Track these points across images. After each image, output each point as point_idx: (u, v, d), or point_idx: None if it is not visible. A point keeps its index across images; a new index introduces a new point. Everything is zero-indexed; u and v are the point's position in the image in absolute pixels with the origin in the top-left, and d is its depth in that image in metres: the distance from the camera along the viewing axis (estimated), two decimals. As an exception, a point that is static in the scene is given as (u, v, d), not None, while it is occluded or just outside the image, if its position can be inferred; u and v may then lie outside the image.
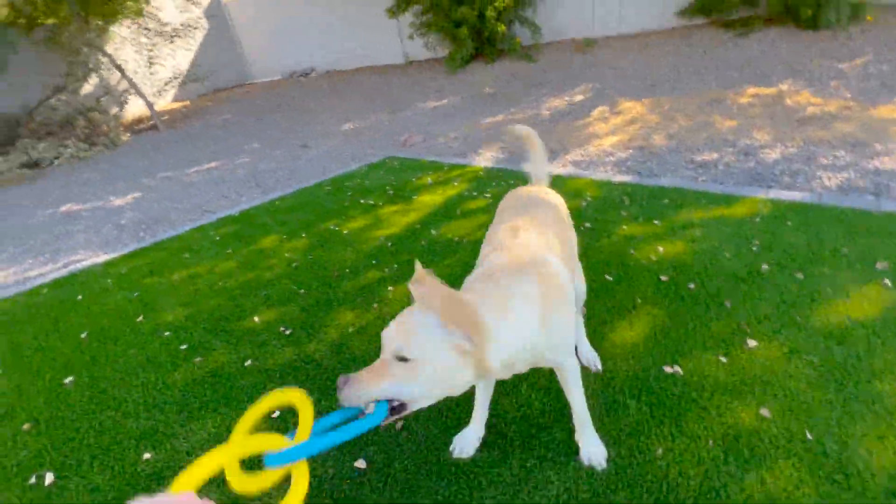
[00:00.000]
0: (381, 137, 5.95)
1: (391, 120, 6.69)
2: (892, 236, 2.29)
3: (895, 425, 1.42)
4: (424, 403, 1.05)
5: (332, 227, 3.52)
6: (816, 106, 4.24)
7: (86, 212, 5.09)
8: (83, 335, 2.62)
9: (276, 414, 1.84)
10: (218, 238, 3.71)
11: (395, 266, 2.80)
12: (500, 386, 1.76)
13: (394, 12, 8.66)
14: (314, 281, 2.79)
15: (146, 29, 9.52)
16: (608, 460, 1.45)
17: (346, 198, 4.09)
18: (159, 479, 1.65)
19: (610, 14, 7.78)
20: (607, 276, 2.34)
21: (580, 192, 3.36)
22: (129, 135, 8.81)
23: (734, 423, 1.51)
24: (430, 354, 1.00)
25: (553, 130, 4.95)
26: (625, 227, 2.80)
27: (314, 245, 3.28)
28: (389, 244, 3.09)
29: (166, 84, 10.57)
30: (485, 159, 4.52)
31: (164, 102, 11.46)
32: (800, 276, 2.12)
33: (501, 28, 7.81)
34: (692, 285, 2.18)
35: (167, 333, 2.50)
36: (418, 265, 1.11)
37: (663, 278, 2.27)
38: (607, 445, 1.49)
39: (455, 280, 1.86)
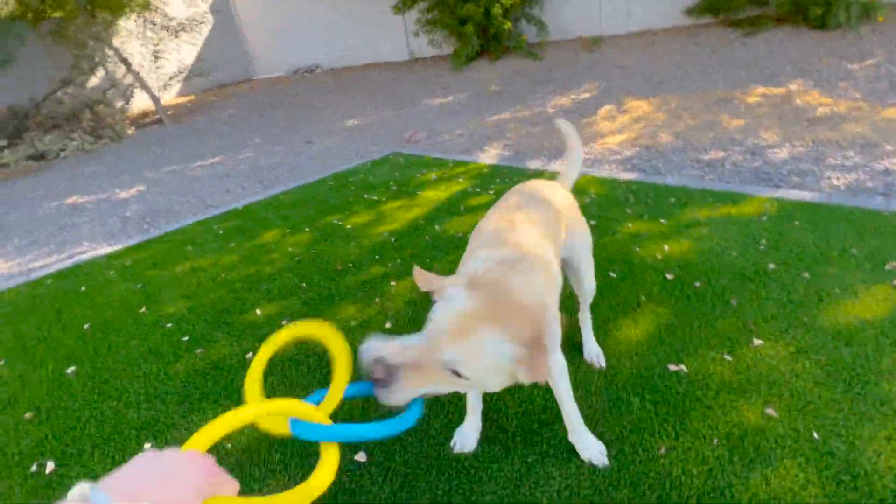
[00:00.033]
0: (385, 134, 5.94)
1: (396, 116, 6.67)
2: (901, 237, 2.26)
3: (904, 427, 1.40)
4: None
5: (335, 222, 3.51)
6: (826, 106, 4.19)
7: (91, 204, 5.10)
8: (86, 326, 2.62)
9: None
10: (221, 232, 3.71)
11: (399, 261, 2.79)
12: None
13: (399, 9, 8.64)
14: (316, 275, 2.78)
15: (152, 23, 9.53)
16: (610, 457, 1.44)
17: (349, 193, 4.08)
18: (159, 470, 1.65)
19: (617, 12, 7.73)
20: (612, 274, 2.32)
21: (585, 189, 3.34)
22: (134, 128, 8.84)
23: (739, 422, 1.49)
24: (488, 376, 0.92)
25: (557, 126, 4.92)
26: (630, 224, 2.78)
27: (317, 239, 3.28)
28: (393, 239, 3.08)
29: (171, 78, 10.57)
30: (489, 156, 4.51)
31: (169, 97, 11.49)
32: (807, 275, 2.09)
33: (507, 25, 7.78)
34: (698, 284, 2.16)
35: (169, 325, 2.50)
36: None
37: (669, 276, 2.25)
38: (610, 443, 1.48)
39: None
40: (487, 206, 3.50)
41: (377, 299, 2.44)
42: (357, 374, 0.82)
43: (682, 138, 4.09)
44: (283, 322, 2.36)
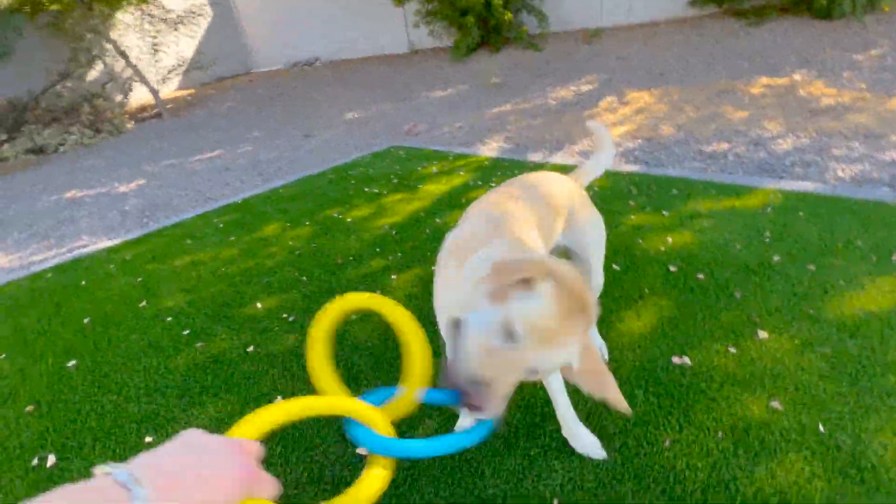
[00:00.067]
0: (385, 127, 5.89)
1: (396, 109, 6.62)
2: (907, 228, 2.24)
3: (910, 419, 1.38)
4: None
5: (335, 216, 3.49)
6: (830, 97, 4.15)
7: (90, 198, 5.08)
8: (86, 320, 2.61)
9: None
10: (221, 225, 3.69)
11: (399, 254, 2.77)
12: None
13: (400, 0, 8.55)
14: (317, 268, 2.76)
15: (150, 16, 9.44)
16: (614, 450, 1.43)
17: (349, 186, 4.05)
18: (160, 463, 1.64)
19: (618, 4, 7.65)
20: (615, 266, 2.30)
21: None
22: (133, 122, 8.79)
23: (744, 415, 1.48)
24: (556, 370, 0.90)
25: (560, 121, 4.88)
26: (632, 217, 2.76)
27: (317, 233, 3.25)
28: (394, 232, 3.06)
29: (170, 72, 10.48)
30: (490, 149, 4.47)
31: (169, 90, 11.41)
32: (812, 267, 2.07)
33: (508, 16, 7.70)
34: (701, 276, 2.14)
35: (169, 319, 2.49)
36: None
37: (672, 269, 2.23)
38: (613, 436, 1.47)
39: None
40: (488, 198, 3.49)
41: (378, 292, 2.42)
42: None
43: (685, 130, 4.05)
44: (284, 316, 2.35)
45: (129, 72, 9.21)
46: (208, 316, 2.46)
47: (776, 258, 2.18)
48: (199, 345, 2.24)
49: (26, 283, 3.25)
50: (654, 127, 4.25)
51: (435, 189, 3.67)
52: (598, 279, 1.67)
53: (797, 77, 4.74)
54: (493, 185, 3.56)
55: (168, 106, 9.66)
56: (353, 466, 1.52)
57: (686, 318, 1.91)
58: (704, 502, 1.27)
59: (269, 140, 6.31)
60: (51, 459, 1.72)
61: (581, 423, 1.46)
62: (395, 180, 3.99)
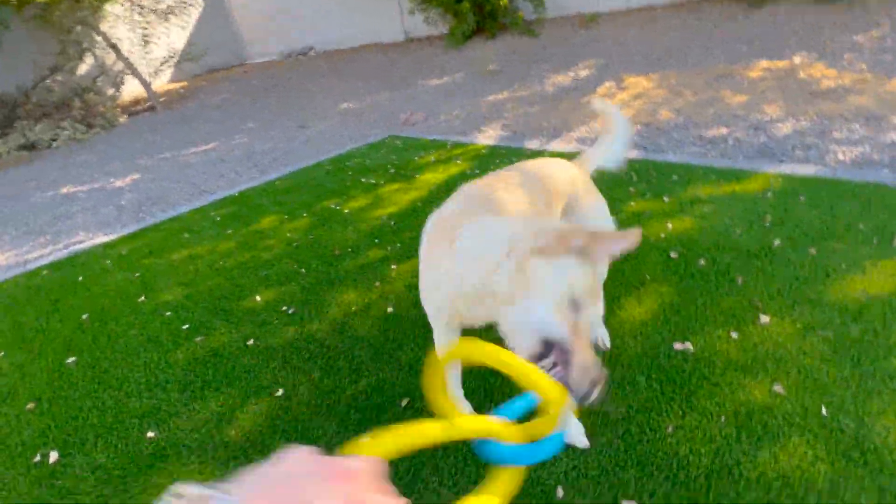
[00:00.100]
0: (381, 117, 5.83)
1: (392, 99, 6.55)
2: (909, 211, 2.23)
3: (913, 401, 1.38)
4: None
5: (332, 207, 3.46)
6: (830, 79, 4.11)
7: (84, 193, 5.03)
8: (84, 316, 2.60)
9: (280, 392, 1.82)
10: (217, 219, 3.66)
11: (398, 245, 2.75)
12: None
13: (393, -13, 8.40)
14: (315, 260, 2.74)
15: (140, 6, 9.26)
16: (617, 437, 1.43)
17: (346, 177, 4.01)
18: (163, 457, 1.64)
19: (616, -12, 7.52)
20: (615, 253, 2.28)
21: (586, 169, 3.28)
22: (126, 116, 8.67)
23: (747, 399, 1.48)
24: None
25: (557, 107, 4.83)
26: (632, 203, 2.74)
27: (315, 224, 3.23)
28: (392, 223, 3.04)
29: (162, 64, 10.31)
30: (487, 137, 4.43)
31: (161, 83, 11.25)
32: (813, 251, 2.06)
33: (504, 2, 7.59)
34: (702, 262, 2.13)
35: (168, 313, 2.48)
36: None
37: (672, 255, 2.21)
38: (616, 423, 1.47)
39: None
40: (487, 187, 3.46)
41: (377, 283, 2.41)
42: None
43: (684, 115, 4.01)
44: (283, 308, 2.34)
45: (120, 65, 9.07)
46: (207, 310, 2.45)
47: (777, 243, 2.17)
48: (198, 339, 2.23)
49: (23, 280, 3.22)
50: (652, 112, 4.20)
51: (432, 178, 3.63)
52: (603, 268, 1.64)
53: (797, 60, 4.69)
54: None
55: (161, 99, 9.53)
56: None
57: (687, 304, 1.90)
58: (708, 487, 1.27)
59: (263, 132, 6.24)
60: (53, 456, 1.72)
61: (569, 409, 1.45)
62: (393, 170, 3.96)
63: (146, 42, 9.40)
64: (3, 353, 2.40)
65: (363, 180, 3.86)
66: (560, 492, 1.32)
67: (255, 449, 1.61)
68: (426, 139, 4.64)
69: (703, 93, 4.42)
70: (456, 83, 6.60)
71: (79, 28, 8.23)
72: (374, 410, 1.67)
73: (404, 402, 1.68)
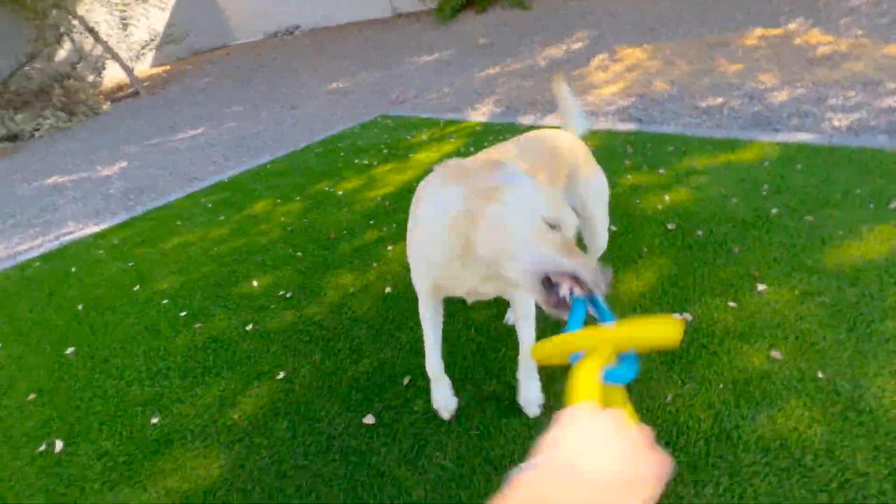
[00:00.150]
0: (371, 96, 5.71)
1: (381, 77, 6.41)
2: (904, 175, 2.22)
3: (907, 362, 1.41)
4: None
5: (325, 189, 3.41)
6: (826, 45, 4.05)
7: (72, 183, 4.93)
8: (80, 306, 2.57)
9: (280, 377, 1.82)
10: (209, 205, 3.60)
11: (394, 225, 2.73)
12: (508, 338, 1.74)
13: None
14: (310, 244, 2.72)
15: (116, -13, 8.94)
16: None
17: (338, 159, 3.95)
18: (168, 443, 1.65)
19: (608, -46, 7.31)
20: (612, 227, 2.28)
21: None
22: (109, 103, 8.45)
23: (745, 366, 1.49)
24: None
25: (551, 80, 4.74)
26: (629, 176, 2.72)
27: (308, 208, 3.19)
28: (386, 203, 3.00)
29: (143, 47, 10.00)
30: (480, 114, 4.36)
31: (144, 67, 10.94)
32: (810, 218, 2.06)
33: (493, -27, 7.37)
34: (700, 233, 2.13)
35: (165, 301, 2.46)
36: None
37: (670, 227, 2.21)
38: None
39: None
40: (481, 165, 3.42)
41: (374, 264, 2.40)
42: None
43: (678, 85, 3.96)
44: (281, 293, 2.32)
45: (99, 49, 8.79)
46: (204, 296, 2.43)
47: (774, 211, 2.16)
48: (197, 325, 2.22)
49: (15, 272, 3.18)
50: (647, 83, 4.14)
51: (426, 157, 3.58)
52: (602, 238, 1.66)
53: (792, 26, 4.61)
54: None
55: (145, 84, 9.28)
56: (360, 436, 1.53)
57: (685, 275, 1.91)
58: (707, 452, 1.29)
59: (251, 115, 6.11)
60: (58, 445, 1.72)
61: (534, 377, 1.46)
62: (385, 150, 3.90)
63: (125, 25, 9.10)
64: (0, 346, 2.39)
65: (356, 161, 3.80)
66: (563, 462, 1.34)
67: (259, 431, 1.62)
68: (418, 117, 4.56)
69: (697, 63, 4.35)
70: (446, 59, 6.46)
71: (54, 12, 7.93)
72: (376, 390, 1.68)
73: (406, 381, 1.69)
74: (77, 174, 5.19)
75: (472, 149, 3.57)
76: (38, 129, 7.33)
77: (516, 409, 1.50)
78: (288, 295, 2.30)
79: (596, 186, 1.56)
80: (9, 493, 1.59)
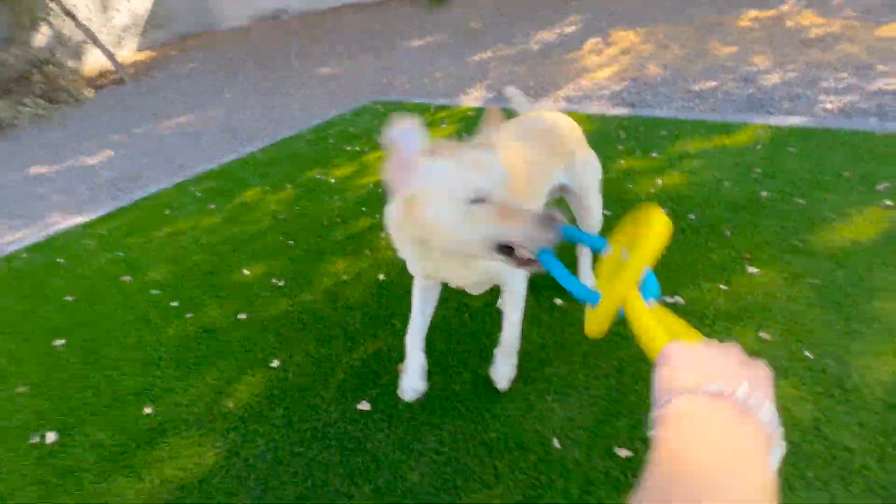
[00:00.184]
0: (362, 81, 5.62)
1: (372, 62, 6.30)
2: (894, 157, 2.24)
3: (893, 341, 1.43)
4: None
5: (317, 177, 3.37)
6: (819, 27, 4.04)
7: (56, 173, 4.83)
8: (69, 298, 2.54)
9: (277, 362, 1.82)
10: (198, 194, 3.55)
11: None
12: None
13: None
14: (303, 232, 2.70)
15: (95, -31, 8.66)
16: (611, 389, 1.46)
17: (329, 146, 3.90)
18: (162, 432, 1.64)
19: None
20: (605, 212, 2.27)
21: (574, 127, 3.23)
22: (92, 90, 8.24)
23: (735, 347, 1.51)
24: None
25: (544, 65, 4.70)
26: (622, 161, 2.71)
27: (300, 196, 3.16)
28: (378, 190, 2.98)
29: (125, 31, 9.74)
30: (473, 99, 4.31)
31: (128, 53, 10.65)
32: (801, 201, 2.08)
33: (485, -46, 7.22)
34: (692, 216, 2.13)
35: (155, 292, 2.43)
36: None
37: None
38: (609, 375, 1.50)
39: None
40: (474, 151, 3.39)
41: (367, 251, 2.39)
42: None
43: (672, 69, 3.94)
44: (273, 281, 2.31)
45: (79, 34, 8.54)
46: (195, 286, 2.41)
47: (766, 194, 2.17)
48: (188, 315, 2.20)
49: (2, 264, 3.13)
50: (640, 67, 4.11)
51: (418, 144, 3.55)
52: (596, 218, 1.67)
53: (785, 8, 4.58)
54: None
55: (129, 70, 9.06)
56: (356, 423, 1.54)
57: (677, 258, 1.92)
58: (698, 431, 1.31)
59: (239, 101, 6.00)
60: (51, 437, 1.71)
61: (512, 355, 1.45)
62: (377, 137, 3.85)
63: (105, 8, 8.83)
64: (-12, 339, 2.36)
65: (347, 148, 3.75)
66: (556, 443, 1.36)
67: (254, 419, 1.62)
68: (410, 103, 4.50)
69: (690, 46, 4.32)
70: (438, 44, 6.36)
71: (30, -6, 7.68)
72: (371, 376, 1.69)
73: (400, 367, 1.69)
74: (61, 163, 5.08)
75: (464, 134, 3.54)
76: (17, 118, 7.15)
77: (510, 394, 1.52)
78: (281, 283, 2.28)
79: (590, 166, 1.60)
80: (2, 485, 1.58)
